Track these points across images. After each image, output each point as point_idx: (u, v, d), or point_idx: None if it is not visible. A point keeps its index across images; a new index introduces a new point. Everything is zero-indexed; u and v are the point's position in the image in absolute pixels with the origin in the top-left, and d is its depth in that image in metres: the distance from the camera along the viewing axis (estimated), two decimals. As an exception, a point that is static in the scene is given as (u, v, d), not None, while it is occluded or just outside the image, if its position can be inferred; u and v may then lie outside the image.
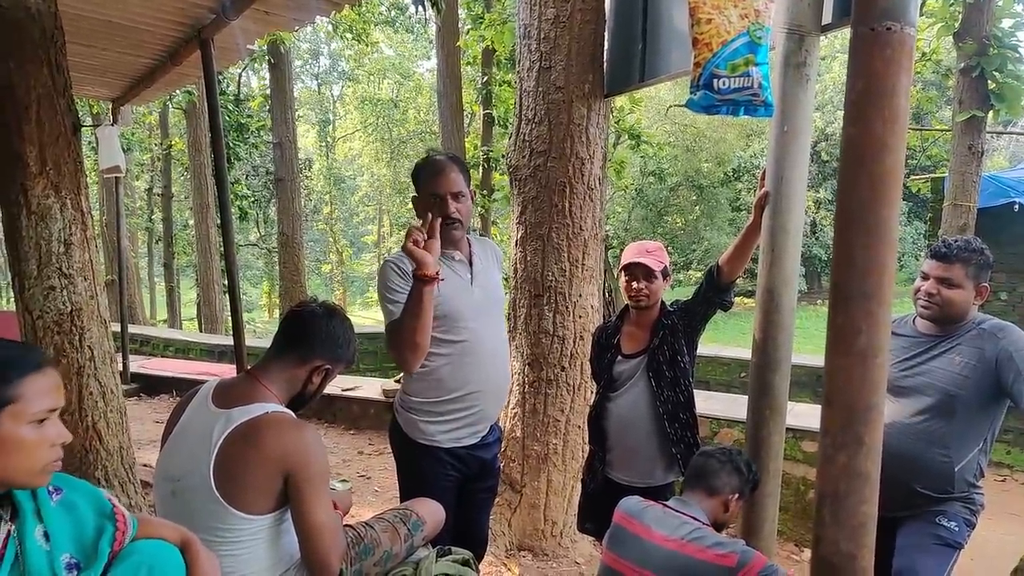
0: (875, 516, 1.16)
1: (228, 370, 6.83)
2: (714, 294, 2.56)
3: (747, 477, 2.18)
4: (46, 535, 1.28)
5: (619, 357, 2.74)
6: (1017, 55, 5.94)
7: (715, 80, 1.74)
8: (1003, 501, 4.96)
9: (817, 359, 7.22)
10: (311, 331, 1.87)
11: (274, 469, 1.66)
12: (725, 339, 15.50)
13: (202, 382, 1.91)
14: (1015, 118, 6.71)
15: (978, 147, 5.93)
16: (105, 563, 1.31)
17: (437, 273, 2.10)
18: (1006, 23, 6.26)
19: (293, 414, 1.79)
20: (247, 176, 18.24)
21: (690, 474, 2.22)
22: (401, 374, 2.56)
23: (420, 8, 3.84)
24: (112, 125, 5.97)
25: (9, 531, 1.25)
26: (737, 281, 2.56)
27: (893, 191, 1.04)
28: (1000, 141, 24.01)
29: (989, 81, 5.83)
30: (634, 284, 2.63)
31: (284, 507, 1.73)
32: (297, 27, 4.21)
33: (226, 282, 4.35)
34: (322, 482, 1.74)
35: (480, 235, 12.17)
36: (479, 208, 11.59)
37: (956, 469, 2.32)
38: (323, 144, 32.36)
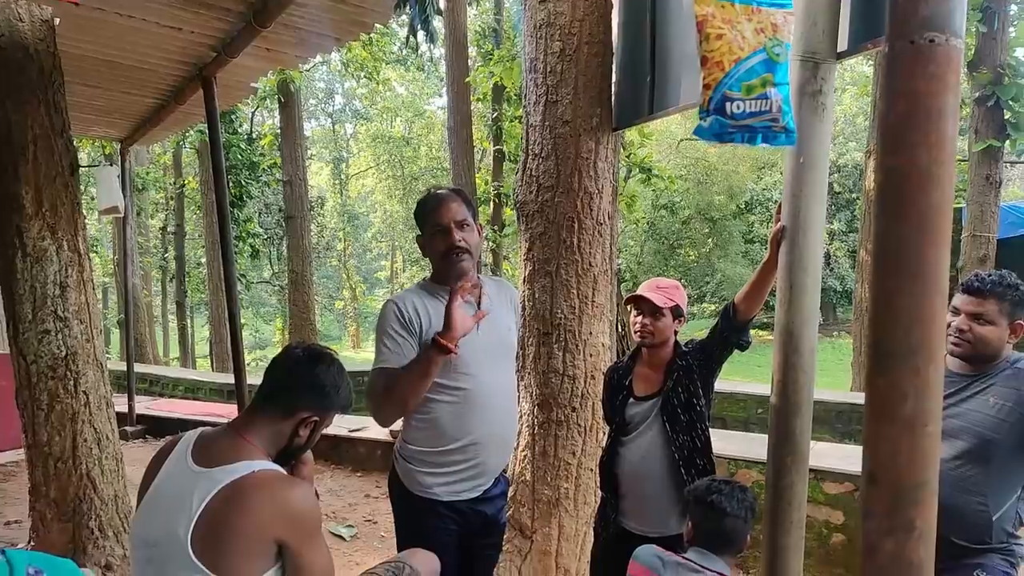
0: None
1: (235, 411, 6.73)
2: (731, 333, 2.44)
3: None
4: None
5: (631, 399, 2.62)
6: (1033, 84, 5.86)
7: (727, 104, 1.54)
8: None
9: (835, 394, 7.03)
10: (295, 380, 1.74)
11: (266, 535, 1.54)
12: (741, 374, 15.27)
13: (210, 424, 1.79)
14: (1032, 147, 6.62)
15: (995, 177, 5.83)
16: None
17: (456, 347, 2.02)
18: (1020, 52, 6.20)
19: (281, 470, 1.67)
20: (260, 214, 18.34)
21: (714, 532, 2.06)
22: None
23: (414, 38, 3.79)
24: (111, 165, 5.97)
25: None
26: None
27: (942, 230, 0.91)
28: (1015, 171, 23.85)
29: (1005, 111, 5.74)
30: (639, 319, 2.53)
31: (274, 568, 1.60)
32: (300, 64, 4.20)
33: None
34: (318, 537, 1.64)
35: (493, 271, 12.12)
36: (491, 243, 11.54)
37: (994, 519, 2.17)
38: (337, 181, 32.62)
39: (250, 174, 13.46)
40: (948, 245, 0.92)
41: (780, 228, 2.11)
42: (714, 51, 1.54)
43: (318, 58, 4.18)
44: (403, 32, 16.76)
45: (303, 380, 1.73)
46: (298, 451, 1.80)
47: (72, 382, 3.16)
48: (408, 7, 3.33)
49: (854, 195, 19.64)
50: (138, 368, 7.99)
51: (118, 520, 3.35)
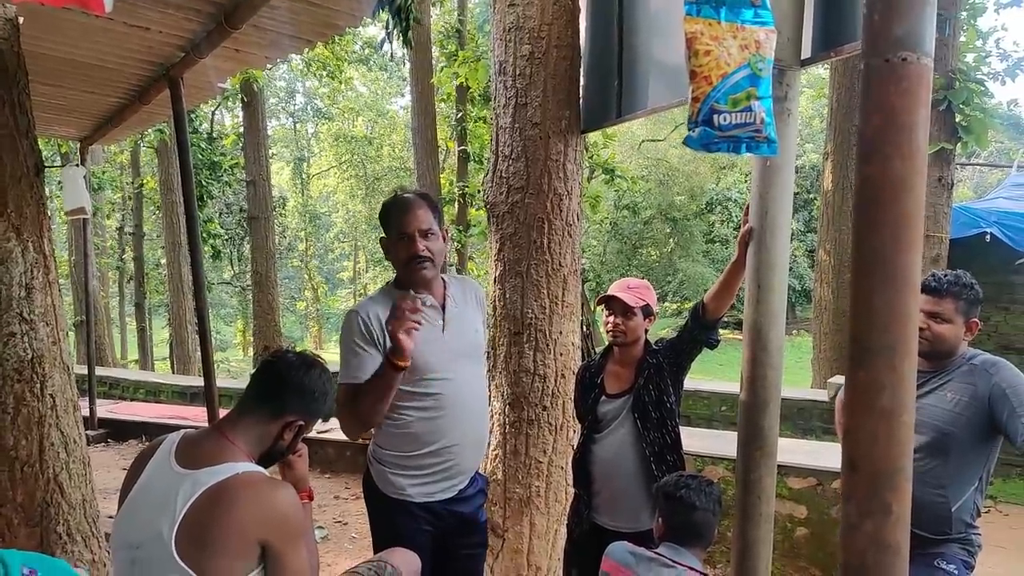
0: None
1: (200, 413, 6.64)
2: (700, 332, 2.51)
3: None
4: None
5: (603, 397, 2.68)
6: (983, 88, 6.07)
7: (715, 116, 1.62)
8: (987, 533, 4.91)
9: (796, 391, 7.18)
10: (285, 383, 1.75)
11: (250, 536, 1.56)
12: (704, 372, 15.50)
13: (172, 427, 1.79)
14: (982, 150, 6.83)
15: (948, 179, 6.01)
16: None
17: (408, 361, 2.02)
18: (970, 57, 6.40)
19: (265, 472, 1.69)
20: (220, 214, 18.06)
21: (684, 527, 2.12)
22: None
23: (390, 44, 3.80)
24: (77, 166, 5.85)
25: None
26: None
27: (914, 234, 0.98)
28: (964, 172, 24.57)
29: (956, 114, 5.92)
30: (611, 319, 2.59)
31: (257, 569, 1.62)
32: (269, 65, 4.17)
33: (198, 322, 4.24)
34: (301, 539, 1.66)
35: (458, 271, 12.12)
36: (456, 244, 11.55)
37: (953, 509, 2.27)
38: (298, 181, 32.26)
39: (211, 174, 13.26)
40: (920, 248, 0.99)
41: (748, 229, 2.17)
42: (702, 66, 1.61)
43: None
44: (367, 32, 16.68)
45: (294, 385, 1.75)
46: (280, 455, 1.81)
47: (39, 385, 3.10)
48: (387, 13, 3.34)
49: (811, 196, 20.05)
50: (98, 371, 7.82)
51: (86, 524, 3.29)
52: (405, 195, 2.29)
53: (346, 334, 2.19)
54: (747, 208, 2.22)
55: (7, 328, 3.05)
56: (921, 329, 2.29)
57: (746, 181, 21.84)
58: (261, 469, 1.69)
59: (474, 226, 11.10)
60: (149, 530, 1.56)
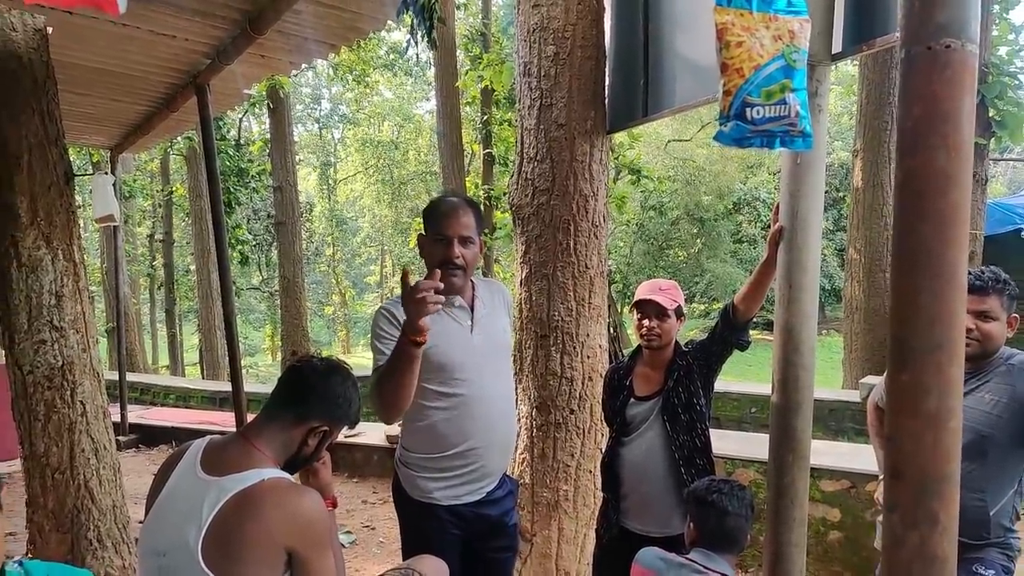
0: None
1: (229, 418, 6.69)
2: (730, 334, 2.46)
3: None
4: None
5: (632, 399, 2.64)
6: (1016, 82, 5.93)
7: (747, 109, 1.55)
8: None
9: (828, 392, 7.06)
10: (310, 389, 1.75)
11: (276, 543, 1.55)
12: (734, 373, 15.33)
13: (201, 432, 1.79)
14: (1016, 145, 6.68)
15: (981, 174, 5.89)
16: None
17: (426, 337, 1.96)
18: (1003, 51, 6.26)
19: (291, 478, 1.67)
20: (248, 220, 18.26)
21: (716, 532, 2.07)
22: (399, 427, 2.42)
23: (414, 44, 3.79)
24: (107, 174, 5.93)
25: None
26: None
27: (961, 229, 0.93)
28: (998, 168, 24.08)
29: (990, 108, 5.80)
30: (645, 322, 2.55)
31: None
32: (295, 70, 4.19)
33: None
34: (328, 545, 1.66)
35: (484, 274, 12.14)
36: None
37: (992, 513, 2.20)
38: (325, 187, 32.51)
39: (238, 180, 13.41)
40: (967, 244, 0.94)
41: (779, 228, 2.13)
42: (734, 58, 1.56)
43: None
44: (392, 36, 16.78)
45: (318, 390, 1.75)
46: (304, 461, 1.80)
47: (69, 392, 3.15)
48: (411, 15, 3.33)
49: (841, 194, 19.76)
50: (129, 377, 7.93)
51: (116, 531, 3.33)
52: (453, 198, 2.28)
53: (373, 326, 2.20)
54: (777, 207, 2.18)
55: (38, 336, 3.09)
56: (968, 330, 2.22)
57: (774, 180, 21.61)
58: (286, 475, 1.68)
59: (500, 229, 11.09)
60: (176, 538, 1.56)
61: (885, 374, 1.79)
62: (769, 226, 2.20)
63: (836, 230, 20.86)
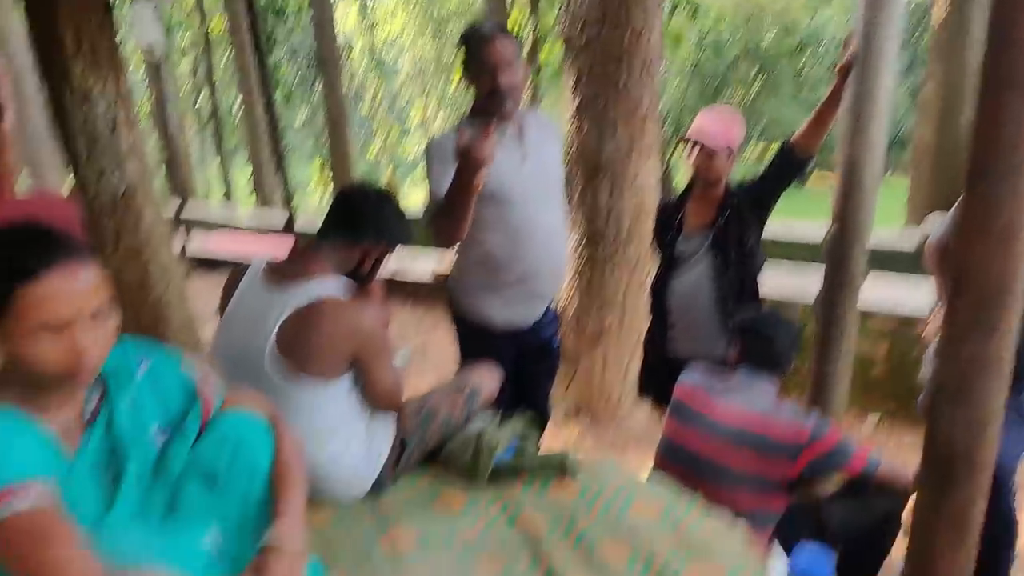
0: (1002, 412, 1.04)
1: (286, 242, 6.83)
2: (788, 170, 2.41)
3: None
4: (134, 404, 1.25)
5: (682, 234, 2.63)
6: None
7: None
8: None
9: (885, 233, 6.87)
10: (361, 213, 1.79)
11: (339, 350, 1.66)
12: (788, 212, 14.91)
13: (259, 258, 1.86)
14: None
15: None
16: (194, 437, 1.29)
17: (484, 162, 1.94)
18: None
19: (349, 293, 1.74)
20: (287, 60, 17.86)
21: (761, 356, 2.11)
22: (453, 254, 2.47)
23: None
24: (146, 1, 5.77)
25: (100, 398, 1.23)
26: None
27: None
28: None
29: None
30: (694, 154, 2.50)
31: (347, 374, 1.73)
32: None
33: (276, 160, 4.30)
34: (386, 356, 1.77)
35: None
36: (528, 84, 11.20)
37: None
38: (363, 25, 31.32)
39: (276, 17, 12.99)
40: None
41: (849, 60, 2.03)
42: None
43: None
44: None
45: (370, 213, 1.79)
46: (361, 281, 1.87)
47: (133, 219, 3.26)
48: None
49: (916, 34, 18.45)
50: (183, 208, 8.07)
51: (190, 345, 3.54)
52: (484, 28, 2.19)
53: (428, 159, 2.19)
54: (848, 38, 2.07)
55: (98, 164, 3.15)
56: None
57: (846, 15, 20.19)
58: (346, 288, 1.74)
59: (547, 67, 10.69)
60: (246, 346, 1.67)
61: (951, 210, 1.75)
62: (835, 66, 2.09)
63: (907, 72, 19.67)
